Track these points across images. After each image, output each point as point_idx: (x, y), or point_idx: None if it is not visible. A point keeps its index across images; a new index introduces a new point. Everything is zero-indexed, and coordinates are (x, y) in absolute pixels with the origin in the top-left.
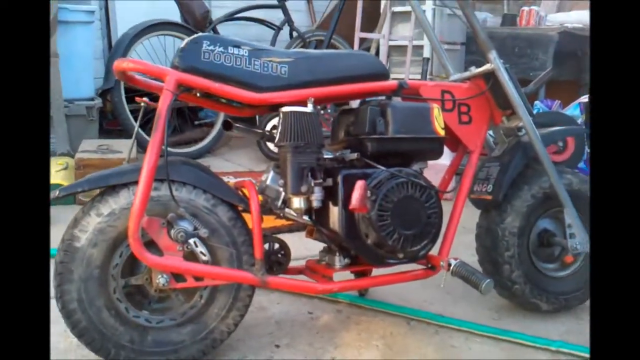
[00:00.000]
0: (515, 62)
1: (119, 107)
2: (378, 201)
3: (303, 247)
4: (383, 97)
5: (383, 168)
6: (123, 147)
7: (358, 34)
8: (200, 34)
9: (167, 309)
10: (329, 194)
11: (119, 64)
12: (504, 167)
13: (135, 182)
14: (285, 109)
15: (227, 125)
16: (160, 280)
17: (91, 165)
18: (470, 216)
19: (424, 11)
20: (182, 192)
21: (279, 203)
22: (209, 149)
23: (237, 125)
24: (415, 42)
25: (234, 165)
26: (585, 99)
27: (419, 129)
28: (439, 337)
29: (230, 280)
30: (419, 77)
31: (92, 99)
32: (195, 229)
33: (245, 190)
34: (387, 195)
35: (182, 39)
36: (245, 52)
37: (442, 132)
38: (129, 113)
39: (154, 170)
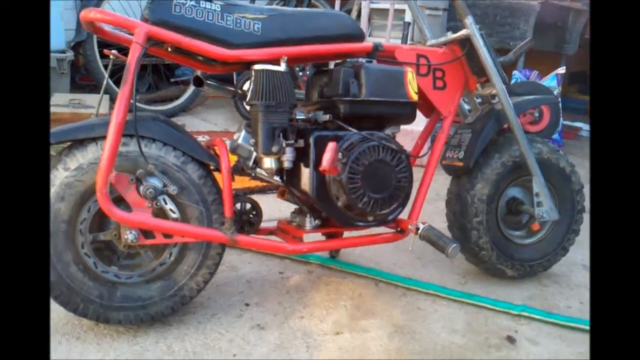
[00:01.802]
0: (496, 30)
1: (92, 61)
2: (349, 164)
3: (276, 209)
4: (358, 59)
5: (355, 131)
6: (95, 102)
7: None
8: None
9: (136, 265)
10: (301, 155)
11: (86, 13)
12: (475, 134)
13: (104, 137)
14: (257, 66)
15: (197, 82)
16: (128, 236)
17: (62, 120)
18: (444, 184)
19: None
20: (151, 149)
21: (251, 163)
22: (185, 107)
23: (209, 82)
24: (397, 6)
25: (210, 124)
26: (562, 70)
27: (392, 92)
28: (406, 300)
29: (199, 238)
30: (399, 41)
31: (63, 51)
32: (165, 186)
33: (216, 149)
34: (358, 158)
35: None
36: (218, 7)
37: (415, 97)
38: (102, 67)
39: (122, 125)
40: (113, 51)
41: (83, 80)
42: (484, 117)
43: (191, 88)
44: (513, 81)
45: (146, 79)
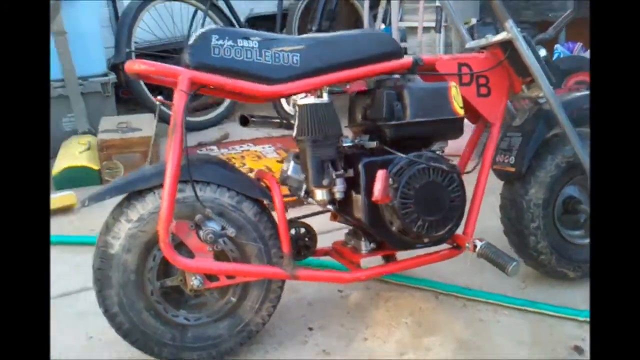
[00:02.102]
0: (533, 2)
1: (133, 82)
2: (400, 189)
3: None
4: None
5: (402, 155)
6: (142, 124)
7: None
8: (208, 27)
9: (203, 305)
10: (351, 183)
11: (131, 66)
12: (525, 137)
13: (160, 185)
14: (300, 101)
15: (243, 121)
16: (194, 282)
17: (114, 146)
18: (492, 178)
19: None
20: (206, 192)
21: (302, 193)
22: (226, 114)
23: (254, 119)
24: None
25: (251, 129)
26: None
27: (437, 110)
28: (467, 311)
29: (260, 277)
30: (433, 24)
31: (106, 74)
32: (223, 228)
33: (266, 181)
34: (409, 183)
35: (190, 4)
36: (255, 44)
37: (461, 112)
38: (144, 86)
39: (177, 175)
40: (159, 97)
41: (125, 94)
42: (533, 119)
43: None
44: (555, 56)
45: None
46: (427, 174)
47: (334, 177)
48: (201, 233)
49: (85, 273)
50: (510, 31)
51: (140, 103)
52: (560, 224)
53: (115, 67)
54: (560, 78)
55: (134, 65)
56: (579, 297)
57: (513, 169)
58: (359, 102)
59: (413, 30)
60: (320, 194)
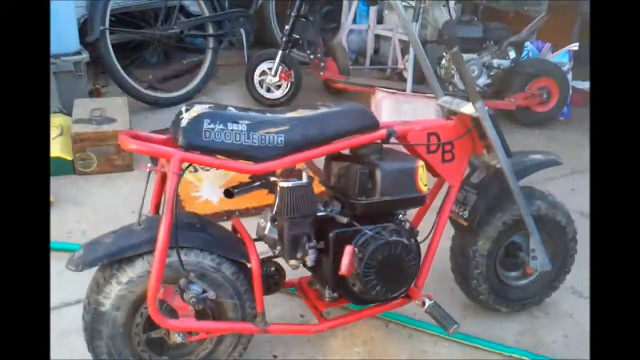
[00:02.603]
0: None
1: (107, 58)
2: (365, 260)
3: None
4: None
5: (369, 232)
6: (116, 111)
7: None
8: (199, 111)
9: (184, 352)
10: (320, 251)
11: (126, 144)
12: (480, 197)
13: (149, 252)
14: (281, 184)
15: (228, 194)
16: (177, 338)
17: (88, 139)
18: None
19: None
20: (190, 256)
21: (277, 251)
22: (199, 89)
23: (237, 190)
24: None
25: None
26: (575, 46)
27: (404, 189)
28: (412, 342)
29: (236, 332)
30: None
31: (79, 52)
32: (204, 291)
33: (244, 239)
34: (373, 255)
35: None
36: (244, 127)
37: (424, 190)
38: (117, 64)
39: (165, 251)
40: (149, 165)
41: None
42: (488, 180)
43: (203, 70)
44: (524, 53)
45: (156, 51)
46: (389, 247)
47: (307, 249)
48: (185, 296)
49: (65, 285)
50: (478, 111)
51: (111, 77)
52: (500, 266)
53: (88, 43)
54: (524, 81)
55: (130, 144)
56: (510, 329)
57: (466, 224)
58: (334, 169)
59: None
60: (293, 262)
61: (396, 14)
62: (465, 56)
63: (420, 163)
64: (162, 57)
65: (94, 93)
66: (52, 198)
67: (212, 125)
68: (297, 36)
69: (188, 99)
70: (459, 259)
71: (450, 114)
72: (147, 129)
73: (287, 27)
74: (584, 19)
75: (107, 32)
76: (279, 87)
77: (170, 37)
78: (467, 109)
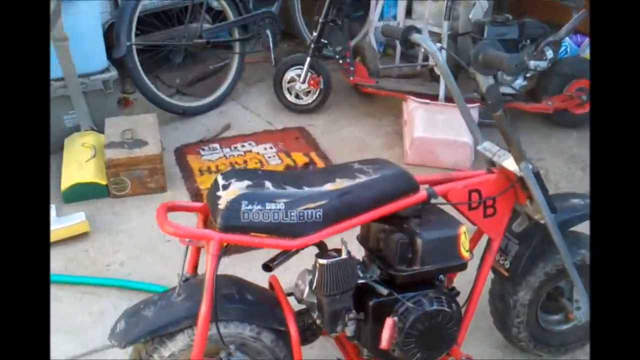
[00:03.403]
0: None
1: (135, 74)
2: (405, 330)
3: None
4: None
5: (409, 303)
6: (146, 131)
7: None
8: (237, 192)
9: None
10: (359, 320)
11: (164, 227)
12: (522, 248)
13: (189, 327)
14: (321, 261)
15: (267, 268)
16: None
17: (121, 165)
18: None
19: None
20: (230, 328)
21: (315, 315)
22: (227, 94)
23: (276, 263)
24: None
25: (253, 115)
26: None
27: (446, 258)
28: None
29: None
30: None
31: (108, 69)
32: None
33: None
34: (413, 325)
35: None
36: (282, 206)
37: (467, 255)
38: (145, 79)
39: (206, 331)
40: (186, 240)
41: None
42: (531, 232)
43: (231, 75)
44: (562, 49)
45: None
46: (430, 317)
47: (346, 321)
48: None
49: (108, 324)
50: (523, 171)
51: (140, 91)
52: (541, 309)
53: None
54: (562, 83)
55: (169, 229)
56: None
57: (507, 274)
58: (373, 229)
59: None
60: (333, 334)
61: (422, 46)
62: None
63: (463, 229)
64: (188, 56)
65: (122, 101)
66: (87, 228)
67: (250, 207)
68: (326, 41)
69: (216, 106)
70: (498, 304)
71: (490, 164)
72: (177, 142)
73: (314, 33)
74: None
75: (134, 47)
76: (308, 92)
77: (196, 46)
78: (511, 164)
